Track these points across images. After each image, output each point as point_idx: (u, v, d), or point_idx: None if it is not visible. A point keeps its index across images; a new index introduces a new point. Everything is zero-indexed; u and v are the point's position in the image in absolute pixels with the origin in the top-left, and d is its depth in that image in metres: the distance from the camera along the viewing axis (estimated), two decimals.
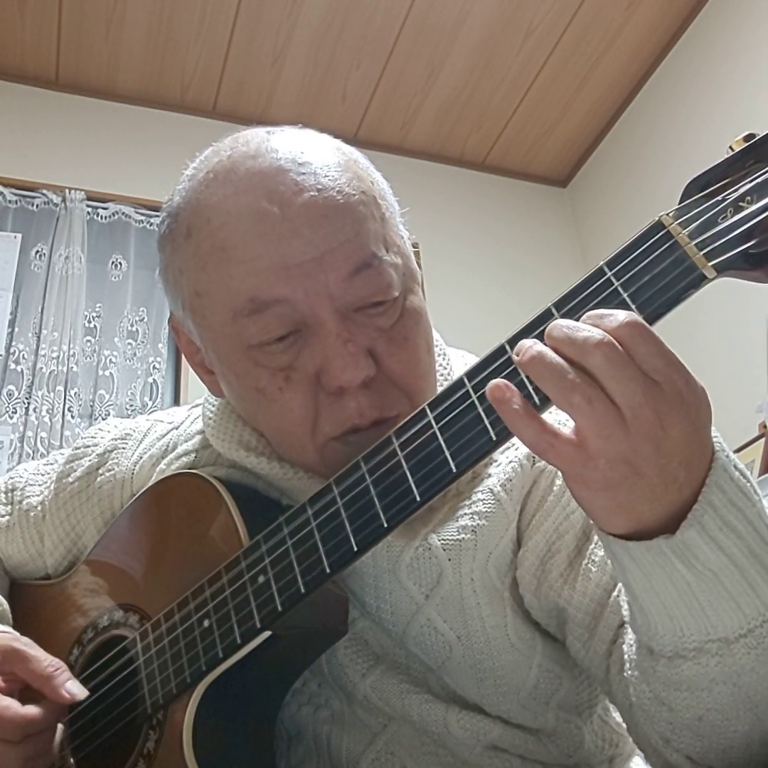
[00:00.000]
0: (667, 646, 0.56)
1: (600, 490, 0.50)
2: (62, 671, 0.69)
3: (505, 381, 0.50)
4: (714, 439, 0.52)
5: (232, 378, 0.71)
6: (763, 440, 2.41)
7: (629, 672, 0.64)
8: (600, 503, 0.51)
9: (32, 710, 0.66)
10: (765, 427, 2.46)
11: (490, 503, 0.72)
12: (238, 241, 0.66)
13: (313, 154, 0.69)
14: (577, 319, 0.51)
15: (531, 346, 0.50)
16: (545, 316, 0.54)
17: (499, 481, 0.73)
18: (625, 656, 0.65)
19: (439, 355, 0.80)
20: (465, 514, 0.71)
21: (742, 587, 0.52)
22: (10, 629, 0.76)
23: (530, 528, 0.73)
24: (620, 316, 0.48)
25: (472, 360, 0.82)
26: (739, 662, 0.54)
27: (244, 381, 0.69)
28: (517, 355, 0.50)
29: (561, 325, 0.50)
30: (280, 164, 0.67)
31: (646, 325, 0.48)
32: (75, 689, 0.68)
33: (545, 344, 0.50)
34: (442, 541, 0.70)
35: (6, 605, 0.87)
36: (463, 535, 0.70)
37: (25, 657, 0.69)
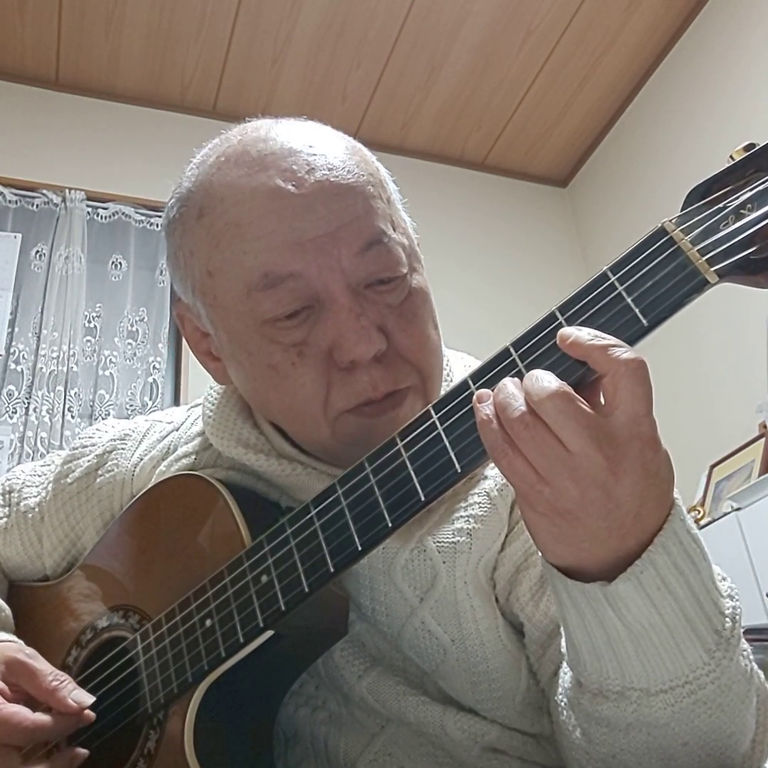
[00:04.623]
0: (593, 683, 0.57)
1: (544, 515, 0.51)
2: (67, 682, 0.68)
3: (489, 392, 0.53)
4: (674, 500, 0.53)
5: (244, 357, 0.71)
6: (763, 440, 2.42)
7: (560, 696, 0.65)
8: (544, 527, 0.53)
9: (42, 717, 0.66)
10: (765, 427, 2.46)
11: (485, 506, 0.72)
12: (253, 218, 0.67)
13: (321, 138, 0.71)
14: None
15: (499, 390, 0.52)
16: (549, 320, 0.55)
17: (495, 484, 0.73)
18: (561, 681, 0.67)
19: None
20: (460, 516, 0.71)
21: (670, 646, 0.53)
22: (14, 637, 0.76)
23: (513, 533, 0.73)
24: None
25: (471, 362, 0.83)
26: (655, 715, 0.55)
27: (256, 358, 0.70)
28: (497, 393, 0.52)
29: (533, 375, 0.51)
30: (291, 146, 0.69)
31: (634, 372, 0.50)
32: (82, 697, 0.68)
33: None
34: (438, 544, 0.70)
35: (8, 611, 0.86)
36: (458, 538, 0.70)
37: (31, 670, 0.68)
